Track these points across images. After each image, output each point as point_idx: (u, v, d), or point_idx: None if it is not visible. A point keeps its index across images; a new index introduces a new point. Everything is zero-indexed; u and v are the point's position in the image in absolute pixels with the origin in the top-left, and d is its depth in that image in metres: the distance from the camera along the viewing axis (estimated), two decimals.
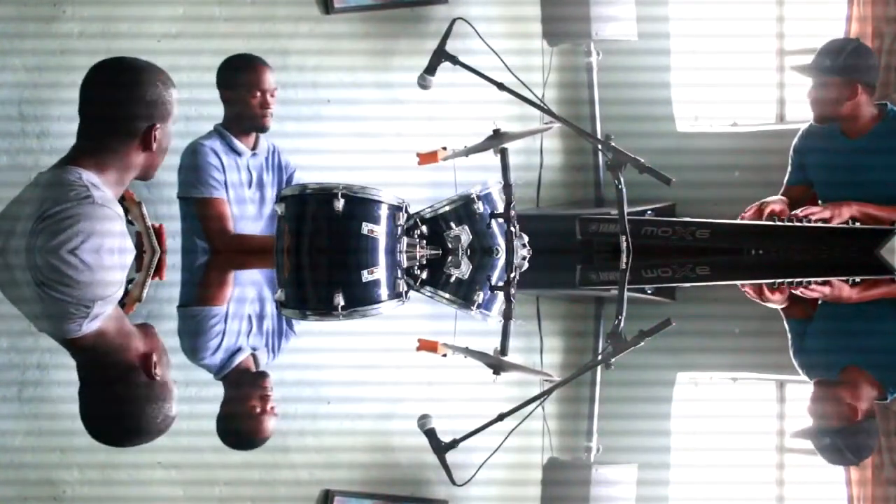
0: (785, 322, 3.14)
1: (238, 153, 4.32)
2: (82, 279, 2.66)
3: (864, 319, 3.16)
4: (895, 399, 2.26)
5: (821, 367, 2.60)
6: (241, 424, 2.09)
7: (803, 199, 4.62)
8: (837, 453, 1.97)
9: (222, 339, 2.73)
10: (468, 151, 3.75)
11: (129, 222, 3.11)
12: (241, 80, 4.33)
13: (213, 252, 4.24)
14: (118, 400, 2.10)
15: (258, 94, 4.30)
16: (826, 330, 3.10)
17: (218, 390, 2.26)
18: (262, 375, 2.41)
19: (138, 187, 4.26)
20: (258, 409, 2.15)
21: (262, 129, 4.36)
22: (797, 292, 3.62)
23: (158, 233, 3.27)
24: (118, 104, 2.91)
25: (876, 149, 4.42)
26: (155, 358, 2.32)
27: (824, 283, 3.83)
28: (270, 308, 3.21)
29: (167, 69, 3.01)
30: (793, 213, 4.30)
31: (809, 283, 3.85)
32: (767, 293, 3.64)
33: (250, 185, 4.35)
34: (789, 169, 4.68)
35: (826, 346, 2.89)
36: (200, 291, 3.66)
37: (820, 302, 3.51)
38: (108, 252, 2.71)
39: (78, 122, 2.95)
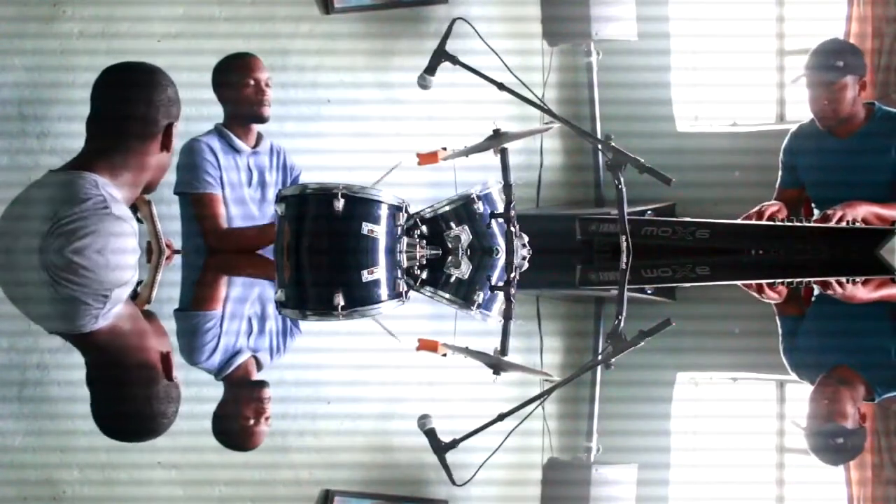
0: (777, 319, 3.14)
1: (237, 151, 4.32)
2: (99, 271, 2.67)
3: (855, 319, 3.16)
4: (893, 398, 2.27)
5: (811, 366, 2.60)
6: (232, 430, 2.08)
7: (798, 201, 4.63)
8: (828, 452, 1.97)
9: (218, 342, 2.73)
10: (468, 151, 3.75)
11: (139, 220, 3.11)
12: (231, 75, 4.35)
13: (209, 251, 4.24)
14: (134, 399, 2.10)
15: (251, 83, 4.31)
16: (817, 329, 3.10)
17: (218, 391, 2.26)
18: (260, 385, 2.40)
19: None
20: (251, 421, 2.15)
21: (260, 118, 4.36)
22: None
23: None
24: (138, 103, 2.91)
25: (865, 148, 4.42)
26: (172, 359, 2.33)
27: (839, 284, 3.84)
28: (273, 308, 3.21)
29: (167, 69, 3.01)
30: (826, 212, 4.26)
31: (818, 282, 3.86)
32: (767, 290, 3.65)
33: (250, 184, 4.35)
34: (780, 172, 4.68)
35: (817, 345, 2.89)
36: (196, 294, 3.65)
37: (813, 300, 3.52)
38: (121, 253, 2.73)
39: (83, 122, 2.94)
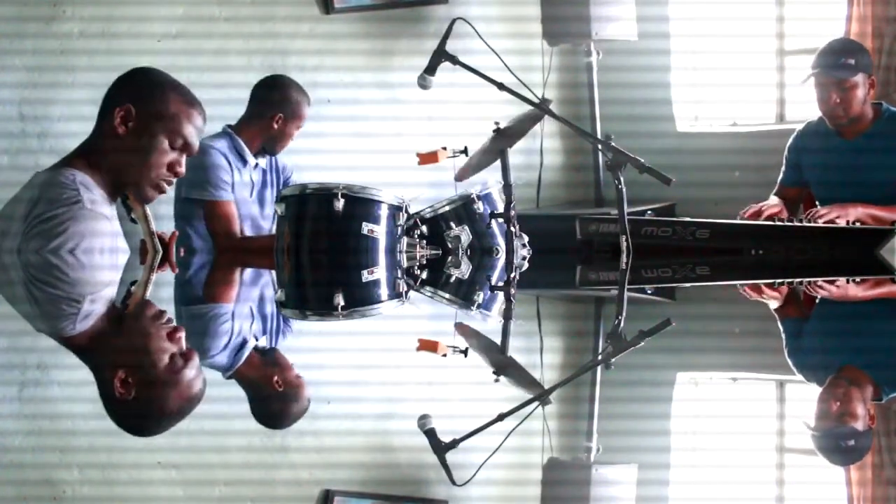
0: (779, 322, 3.14)
1: (244, 161, 4.30)
2: (73, 275, 2.66)
3: (861, 319, 3.16)
4: (893, 398, 2.26)
5: (817, 366, 2.60)
6: (277, 406, 2.11)
7: (797, 200, 4.63)
8: (837, 454, 1.97)
9: (230, 338, 2.73)
10: (479, 164, 3.74)
11: (132, 220, 3.11)
12: (286, 105, 4.31)
13: (219, 252, 4.21)
14: (134, 388, 2.09)
15: (287, 126, 4.29)
16: (823, 329, 3.10)
17: (221, 390, 2.25)
18: (271, 352, 2.42)
19: None
20: (281, 386, 2.18)
21: (272, 153, 4.38)
22: (806, 289, 3.62)
23: (164, 240, 3.28)
24: (120, 109, 2.90)
25: (872, 148, 4.42)
26: (121, 374, 2.22)
27: (831, 282, 3.83)
28: (271, 307, 3.21)
29: (167, 69, 3.01)
30: (804, 214, 4.31)
31: (816, 280, 3.86)
32: (766, 290, 3.65)
33: (252, 189, 4.34)
34: (783, 169, 4.68)
35: (823, 345, 2.89)
36: (207, 290, 3.63)
37: (818, 301, 3.51)
38: (98, 252, 2.72)
39: (83, 122, 2.96)
